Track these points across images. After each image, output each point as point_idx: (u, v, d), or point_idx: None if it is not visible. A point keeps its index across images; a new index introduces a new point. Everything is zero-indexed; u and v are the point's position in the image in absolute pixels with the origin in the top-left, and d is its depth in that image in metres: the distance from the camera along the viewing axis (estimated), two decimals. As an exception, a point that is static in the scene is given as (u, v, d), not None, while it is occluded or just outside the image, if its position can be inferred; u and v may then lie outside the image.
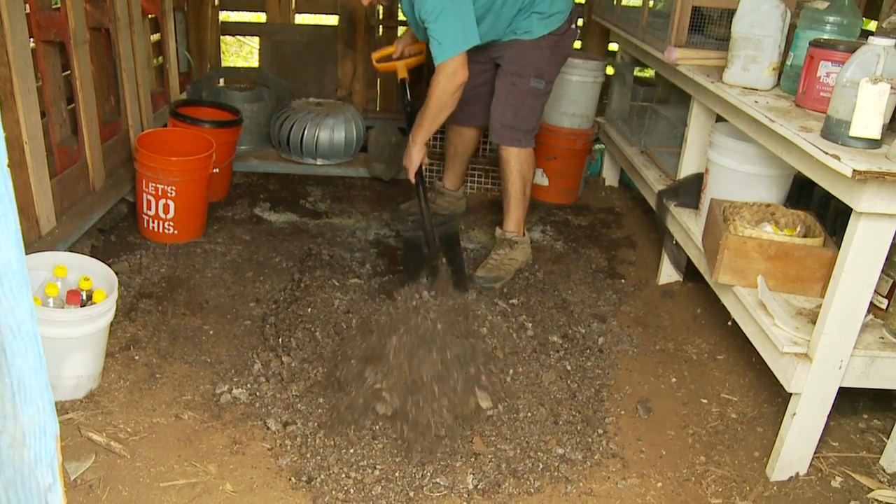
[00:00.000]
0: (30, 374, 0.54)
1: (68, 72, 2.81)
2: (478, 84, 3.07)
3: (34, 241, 2.55)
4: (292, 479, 1.90)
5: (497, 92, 2.97)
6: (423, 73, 3.82)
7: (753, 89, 2.37)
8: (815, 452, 2.05)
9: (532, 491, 1.92)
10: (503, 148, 2.99)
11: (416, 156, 2.81)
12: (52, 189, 2.64)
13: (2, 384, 0.51)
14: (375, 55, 3.29)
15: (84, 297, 2.10)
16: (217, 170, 3.15)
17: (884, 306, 2.05)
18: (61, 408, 2.05)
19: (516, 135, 2.96)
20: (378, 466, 1.94)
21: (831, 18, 2.26)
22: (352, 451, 1.98)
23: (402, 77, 3.17)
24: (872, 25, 3.37)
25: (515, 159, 2.98)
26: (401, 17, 4.67)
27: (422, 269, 2.68)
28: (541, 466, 1.99)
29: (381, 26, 4.61)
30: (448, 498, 1.88)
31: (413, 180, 2.87)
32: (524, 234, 3.12)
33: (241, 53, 6.74)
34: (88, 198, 2.95)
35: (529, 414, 2.18)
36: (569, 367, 2.41)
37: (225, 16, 4.68)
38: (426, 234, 2.74)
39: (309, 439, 2.02)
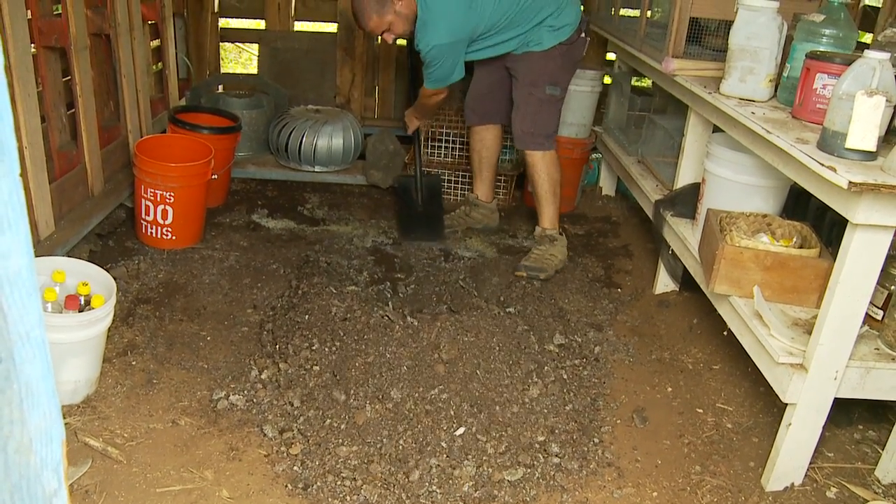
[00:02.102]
0: (38, 381, 0.54)
1: (68, 77, 2.81)
2: (492, 82, 3.26)
3: (33, 246, 2.55)
4: (288, 485, 1.90)
5: (516, 102, 3.14)
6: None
7: (750, 100, 2.38)
8: (810, 463, 2.06)
9: (528, 499, 1.93)
10: (528, 154, 3.17)
11: (414, 123, 3.49)
12: (50, 194, 2.64)
13: (10, 390, 0.52)
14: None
15: (82, 303, 2.10)
16: (215, 176, 3.15)
17: (879, 317, 2.07)
18: (58, 413, 2.05)
19: (538, 139, 3.13)
20: (374, 474, 1.94)
21: (827, 31, 2.28)
22: (348, 458, 1.98)
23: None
24: (868, 38, 3.40)
25: (541, 162, 3.15)
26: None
27: (413, 219, 3.42)
28: (536, 475, 2.00)
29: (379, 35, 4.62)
30: (444, 506, 1.88)
31: (411, 132, 3.54)
32: (561, 233, 3.26)
33: (241, 60, 6.75)
34: (87, 203, 2.96)
35: (525, 422, 2.18)
36: (565, 376, 2.42)
37: (224, 22, 4.68)
38: (416, 180, 3.53)
39: (305, 446, 2.02)
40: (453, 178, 3.94)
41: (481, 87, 3.29)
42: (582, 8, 3.13)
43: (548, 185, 3.18)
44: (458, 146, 3.91)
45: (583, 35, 3.10)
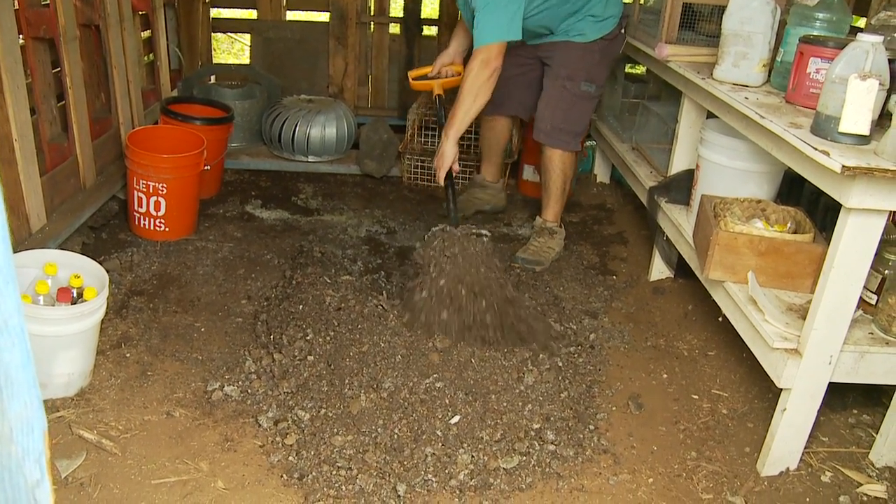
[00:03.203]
0: (17, 370, 0.53)
1: (58, 69, 2.79)
2: (514, 73, 3.07)
3: (24, 239, 2.54)
4: (284, 475, 1.90)
5: (546, 94, 2.99)
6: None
7: (744, 86, 2.37)
8: (805, 447, 2.06)
9: (523, 487, 1.93)
10: (547, 147, 3.04)
11: (449, 151, 2.69)
12: (42, 186, 2.63)
13: (-11, 380, 0.51)
14: (412, 73, 3.27)
15: (74, 295, 2.09)
16: (208, 167, 3.14)
17: (873, 302, 2.07)
18: (52, 406, 2.04)
19: (566, 137, 3.00)
20: (370, 463, 1.94)
21: (821, 15, 2.27)
22: (343, 448, 1.98)
23: (437, 93, 3.10)
24: (862, 22, 3.38)
25: (559, 159, 3.04)
26: (392, 13, 4.66)
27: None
28: (532, 462, 2.00)
29: (372, 23, 4.61)
30: (440, 494, 1.88)
31: (442, 182, 2.74)
32: (561, 226, 3.22)
33: (233, 50, 6.72)
34: (79, 195, 2.94)
35: (520, 410, 2.18)
36: (560, 364, 2.42)
37: (216, 12, 4.66)
38: None
39: (300, 436, 2.01)
40: None
41: (502, 73, 2.77)
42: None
43: (560, 182, 3.10)
44: None
45: (622, 31, 2.99)
